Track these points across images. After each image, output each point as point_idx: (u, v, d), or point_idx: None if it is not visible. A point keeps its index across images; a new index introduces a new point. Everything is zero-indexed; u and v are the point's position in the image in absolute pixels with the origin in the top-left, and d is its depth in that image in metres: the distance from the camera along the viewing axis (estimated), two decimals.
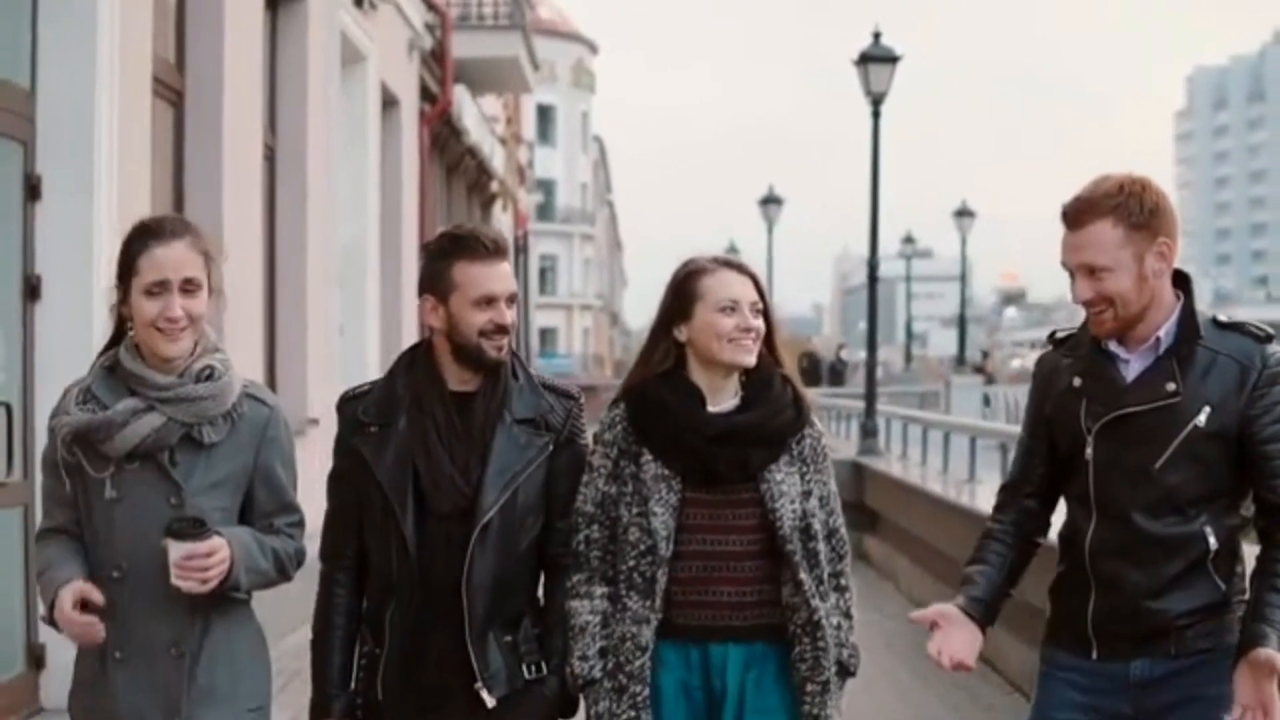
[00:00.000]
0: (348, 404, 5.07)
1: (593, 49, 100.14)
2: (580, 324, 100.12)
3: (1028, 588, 11.53)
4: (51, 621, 4.78)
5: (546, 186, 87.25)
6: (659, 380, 5.00)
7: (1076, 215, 4.73)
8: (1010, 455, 5.08)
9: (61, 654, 5.90)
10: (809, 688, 4.87)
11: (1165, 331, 4.74)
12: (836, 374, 50.26)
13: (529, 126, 53.38)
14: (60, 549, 4.84)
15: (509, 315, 4.94)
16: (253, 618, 4.98)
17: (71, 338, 8.65)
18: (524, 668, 4.94)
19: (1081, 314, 4.87)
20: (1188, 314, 4.75)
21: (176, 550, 4.58)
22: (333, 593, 5.07)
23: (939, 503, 15.55)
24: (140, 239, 4.78)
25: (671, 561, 4.86)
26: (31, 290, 9.13)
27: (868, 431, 23.95)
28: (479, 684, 4.85)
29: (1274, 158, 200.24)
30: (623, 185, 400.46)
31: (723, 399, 4.98)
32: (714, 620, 4.89)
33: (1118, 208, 4.67)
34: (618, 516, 4.94)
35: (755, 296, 4.97)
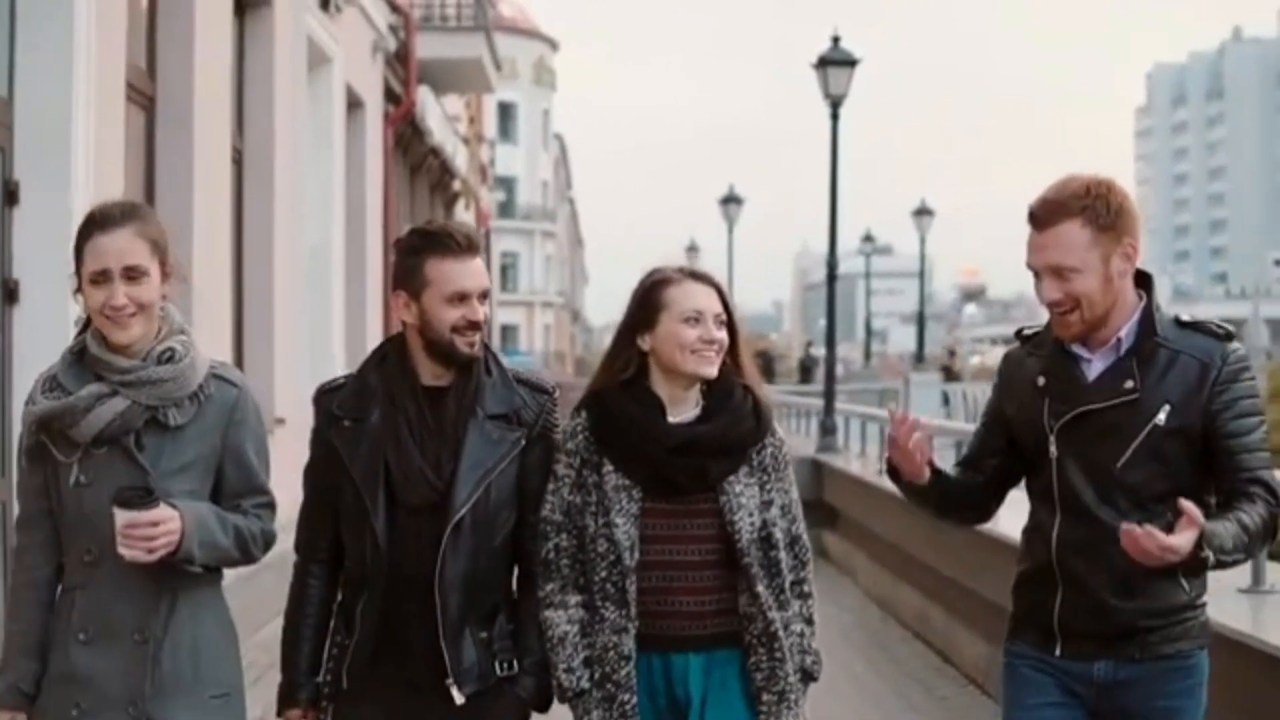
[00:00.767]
0: (324, 396, 5.07)
1: (554, 46, 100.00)
2: (541, 321, 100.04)
3: (984, 583, 11.85)
4: None
5: (507, 184, 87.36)
6: (620, 389, 5.01)
7: (1045, 216, 4.75)
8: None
9: None
10: (765, 698, 4.89)
11: (1126, 332, 4.79)
12: (806, 370, 50.41)
13: (490, 124, 53.37)
14: (26, 605, 4.84)
15: (481, 311, 4.94)
16: (221, 603, 4.97)
17: (48, 340, 8.56)
18: (497, 664, 4.94)
19: (1042, 311, 4.90)
20: (1148, 314, 4.79)
21: (120, 518, 4.57)
22: (306, 583, 5.08)
23: (896, 498, 15.71)
24: (86, 228, 4.78)
25: (634, 571, 4.87)
26: (9, 293, 9.26)
27: (826, 429, 24.14)
28: (449, 680, 4.85)
29: (1233, 155, 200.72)
30: (584, 183, 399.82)
31: (683, 409, 4.99)
32: (675, 630, 4.90)
33: (1086, 209, 4.70)
34: (584, 525, 4.93)
35: (719, 308, 4.97)
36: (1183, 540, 4.43)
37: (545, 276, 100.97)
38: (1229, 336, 4.78)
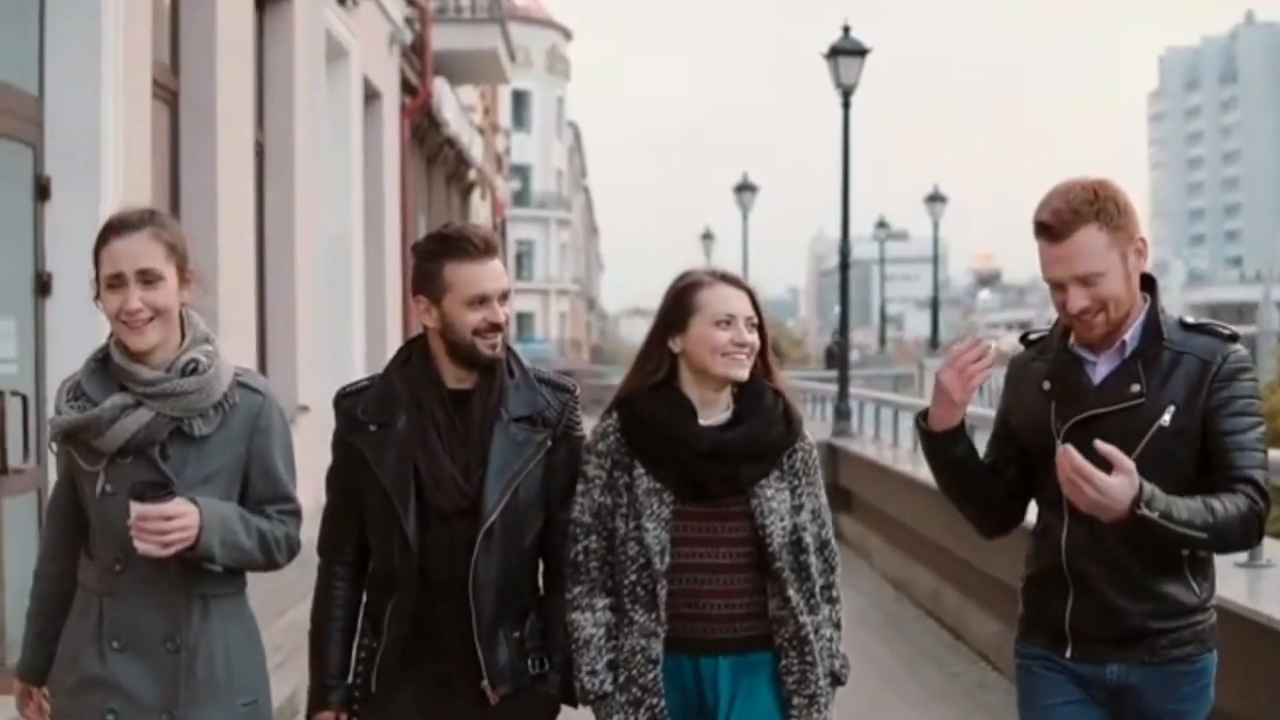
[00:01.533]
0: (345, 400, 5.05)
1: (567, 35, 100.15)
2: (557, 308, 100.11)
3: (995, 564, 12.02)
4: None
5: (522, 172, 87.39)
6: (650, 392, 4.98)
7: (1060, 227, 4.69)
8: (977, 435, 5.27)
9: None
10: (795, 701, 4.87)
11: (1131, 334, 4.77)
12: (833, 357, 50.67)
13: (504, 113, 53.48)
14: (49, 601, 4.95)
15: (502, 313, 4.92)
16: (247, 610, 4.97)
17: (81, 331, 8.72)
18: (529, 663, 4.94)
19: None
20: (1152, 316, 4.78)
21: (133, 510, 4.55)
22: (331, 585, 5.05)
23: (910, 482, 15.93)
24: (104, 233, 4.74)
25: (665, 575, 4.85)
26: (43, 286, 9.45)
27: (841, 414, 24.38)
28: (484, 682, 4.86)
29: (1246, 138, 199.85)
30: (598, 171, 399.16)
31: (714, 412, 4.98)
32: (705, 633, 4.89)
33: (1099, 213, 4.66)
34: (615, 528, 4.92)
35: (751, 311, 4.95)
36: (1113, 482, 4.43)
37: (560, 264, 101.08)
38: (1233, 338, 4.78)
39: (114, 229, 4.73)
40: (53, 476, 5.21)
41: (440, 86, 25.98)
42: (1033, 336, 5.11)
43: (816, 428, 24.86)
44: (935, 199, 53.12)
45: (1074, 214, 4.67)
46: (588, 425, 5.16)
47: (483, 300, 4.88)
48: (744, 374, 4.94)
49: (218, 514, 4.68)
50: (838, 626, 5.03)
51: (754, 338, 4.96)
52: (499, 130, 46.57)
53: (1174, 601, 4.74)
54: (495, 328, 4.90)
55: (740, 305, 4.95)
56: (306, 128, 15.84)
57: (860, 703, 9.36)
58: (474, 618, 4.84)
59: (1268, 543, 8.44)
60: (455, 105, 29.23)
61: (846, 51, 25.64)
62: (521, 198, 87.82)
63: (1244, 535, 4.68)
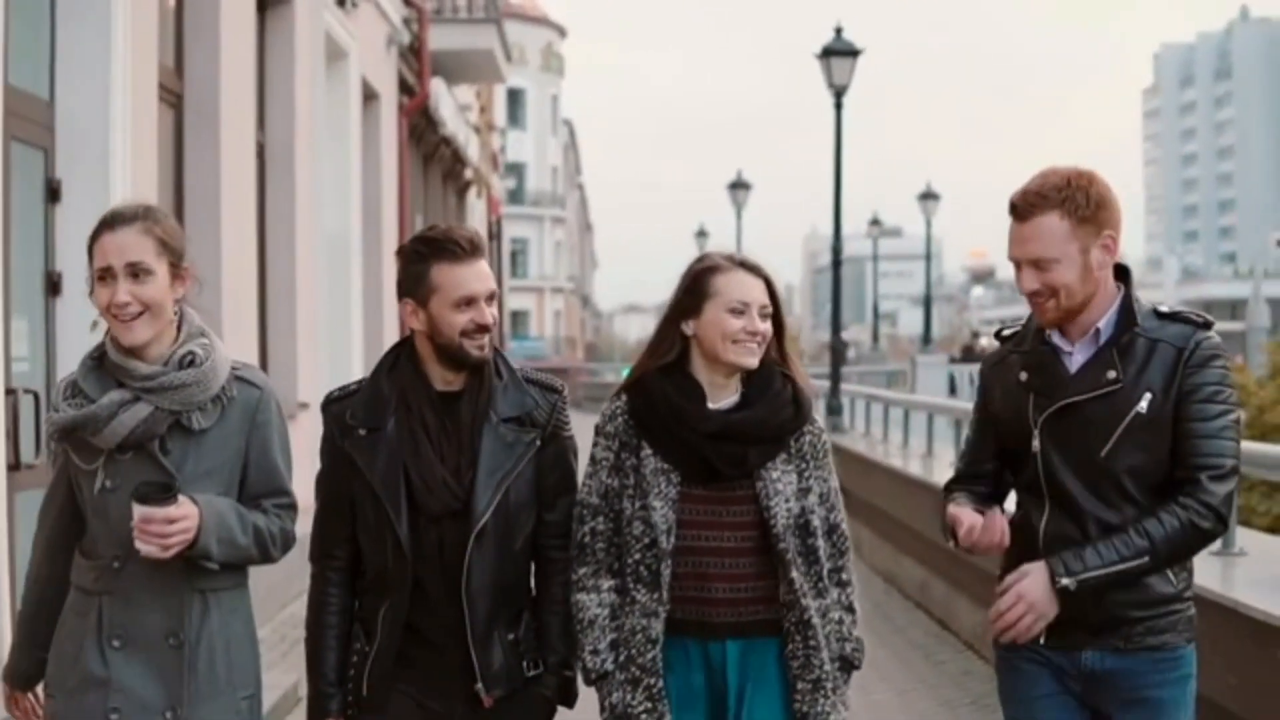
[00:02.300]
0: (333, 405, 5.02)
1: (561, 33, 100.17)
2: (552, 306, 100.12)
3: (980, 555, 12.24)
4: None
5: (517, 170, 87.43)
6: (660, 374, 4.97)
7: (1025, 208, 4.74)
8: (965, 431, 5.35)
9: None
10: (799, 685, 4.85)
11: (1105, 323, 4.79)
12: (837, 354, 50.82)
13: (499, 111, 53.63)
14: (43, 606, 4.91)
15: (490, 314, 4.88)
16: (247, 606, 4.96)
17: (90, 330, 9.11)
18: (524, 665, 4.94)
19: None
20: (1127, 305, 4.79)
21: (137, 513, 4.55)
22: (325, 591, 5.02)
23: (899, 476, 16.20)
24: (97, 228, 4.73)
25: (670, 555, 4.84)
26: (53, 286, 9.68)
27: (832, 409, 24.67)
28: (478, 685, 4.86)
29: (1241, 134, 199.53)
30: (593, 168, 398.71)
31: (724, 395, 4.96)
32: (712, 616, 4.87)
33: (1065, 201, 4.68)
34: (621, 509, 4.92)
35: (766, 299, 4.93)
36: (1025, 586, 4.67)
37: (555, 262, 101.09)
38: (1206, 325, 4.78)
39: (106, 223, 4.72)
40: None
41: (437, 86, 26.21)
42: (1007, 332, 5.13)
43: None
44: (928, 196, 53.26)
45: (1040, 198, 4.73)
46: (580, 424, 5.17)
47: (470, 302, 4.86)
48: (754, 362, 4.93)
49: (216, 512, 4.68)
50: (849, 610, 5.02)
51: (766, 326, 4.93)
52: (494, 129, 46.74)
53: (1151, 591, 4.74)
54: (483, 329, 4.88)
55: (755, 293, 4.93)
56: (306, 129, 16.05)
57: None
58: (468, 620, 4.84)
59: (1242, 532, 8.65)
60: (452, 105, 29.46)
61: (839, 52, 25.94)
62: (516, 195, 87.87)
63: (1195, 538, 4.70)
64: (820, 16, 35.37)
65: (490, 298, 4.92)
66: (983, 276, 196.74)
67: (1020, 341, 4.99)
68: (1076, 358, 4.83)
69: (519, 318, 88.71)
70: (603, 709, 4.93)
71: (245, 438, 4.84)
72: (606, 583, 4.93)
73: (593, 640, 4.91)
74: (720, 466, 4.87)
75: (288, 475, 4.96)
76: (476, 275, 4.88)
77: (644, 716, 4.83)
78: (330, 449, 5.01)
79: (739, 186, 50.07)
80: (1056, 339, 4.86)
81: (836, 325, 28.40)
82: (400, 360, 5.01)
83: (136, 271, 4.67)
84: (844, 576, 5.03)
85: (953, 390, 41.02)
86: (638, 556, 4.86)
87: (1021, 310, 5.04)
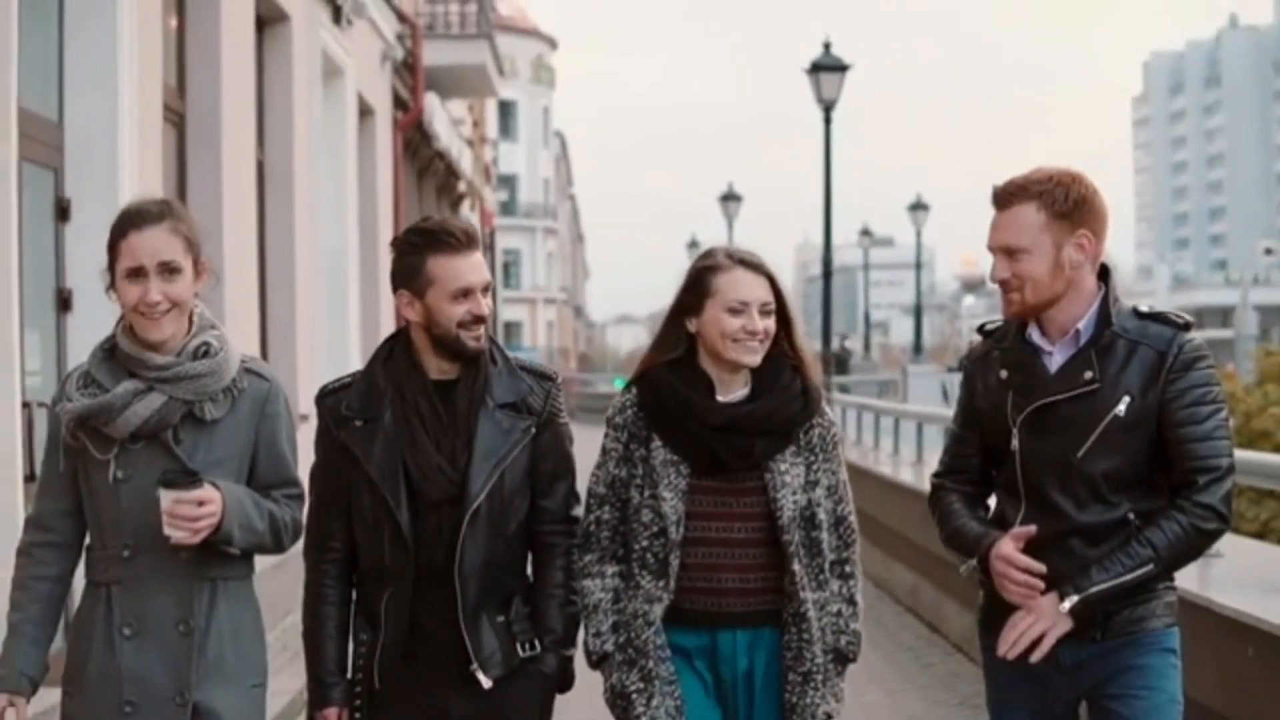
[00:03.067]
0: (328, 397, 5.02)
1: (552, 45, 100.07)
2: (544, 317, 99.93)
3: None
4: None
5: (509, 182, 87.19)
6: (669, 368, 4.99)
7: (1004, 197, 4.80)
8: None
9: None
10: (790, 676, 4.89)
11: (1085, 323, 4.79)
12: (841, 362, 50.94)
13: (491, 123, 53.76)
14: (30, 600, 4.83)
15: (485, 305, 4.90)
16: (253, 594, 4.98)
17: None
18: (519, 646, 4.94)
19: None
20: (1105, 305, 4.80)
21: (166, 498, 4.57)
22: (322, 583, 5.01)
23: (891, 485, 16.40)
24: (121, 224, 4.74)
25: (680, 546, 4.88)
26: (64, 302, 9.94)
27: None
28: (474, 666, 4.86)
29: (1231, 142, 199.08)
30: (584, 179, 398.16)
31: (732, 388, 4.98)
32: (720, 606, 4.90)
33: (1043, 194, 4.72)
34: (628, 498, 4.96)
35: (768, 297, 4.95)
36: (1039, 605, 4.71)
37: (548, 273, 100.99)
38: (1187, 326, 4.78)
39: (133, 222, 4.74)
40: None
41: (431, 101, 26.43)
42: (989, 327, 5.13)
43: None
44: (918, 207, 53.38)
45: (1020, 189, 4.78)
46: (573, 425, 5.22)
47: (466, 293, 4.87)
48: (754, 360, 4.94)
49: (236, 498, 4.73)
50: (850, 602, 5.03)
51: (768, 324, 4.93)
52: (486, 141, 46.91)
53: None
54: (479, 319, 4.89)
55: (756, 291, 4.94)
56: (305, 146, 16.26)
57: None
58: (459, 603, 4.86)
59: (1252, 546, 8.59)
60: (445, 119, 29.70)
61: (827, 67, 26.15)
62: (508, 207, 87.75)
63: (1199, 540, 4.73)
64: (807, 25, 35.60)
65: (486, 289, 4.94)
66: (974, 285, 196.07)
67: (1002, 338, 5.01)
68: (1056, 358, 4.84)
69: (512, 329, 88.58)
70: (605, 692, 5.00)
71: (255, 429, 4.89)
72: (610, 569, 4.99)
73: (595, 624, 4.98)
74: (726, 458, 4.90)
75: (295, 466, 5.00)
76: (472, 266, 4.90)
77: (634, 696, 4.89)
78: (326, 441, 5.03)
79: (730, 199, 50.32)
80: (1037, 338, 4.88)
81: (826, 335, 28.67)
82: (395, 351, 5.03)
83: (168, 270, 4.72)
84: (848, 569, 5.05)
85: (946, 398, 41.08)
86: (645, 544, 4.91)
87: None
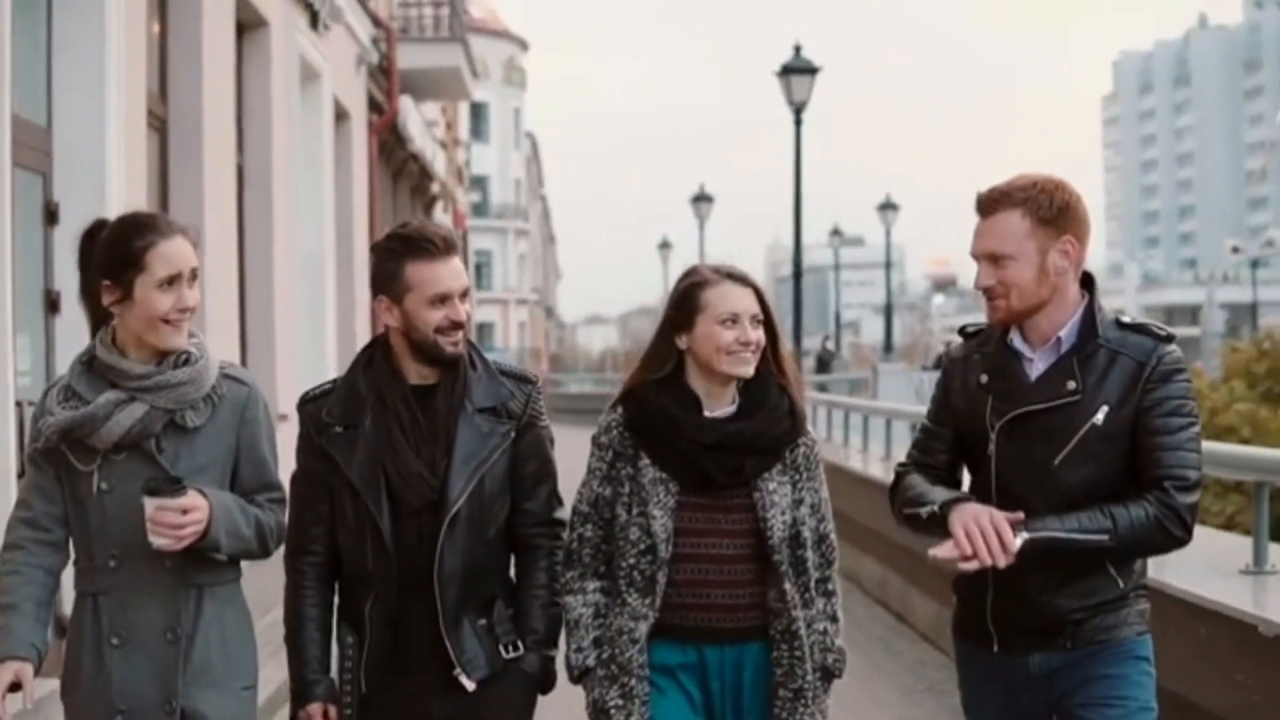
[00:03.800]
0: (309, 404, 5.04)
1: (523, 46, 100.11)
2: (516, 318, 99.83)
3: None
4: None
5: (480, 183, 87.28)
6: (656, 386, 4.99)
7: (989, 204, 4.78)
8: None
9: None
10: (780, 693, 4.88)
11: (1067, 331, 4.78)
12: (823, 363, 51.05)
13: (463, 124, 53.90)
14: (25, 583, 4.80)
15: (463, 310, 4.90)
16: (241, 598, 4.98)
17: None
18: (501, 648, 4.97)
19: None
20: (1089, 314, 4.79)
21: (150, 505, 4.58)
22: (302, 586, 5.02)
23: (861, 480, 16.67)
24: (143, 234, 4.72)
25: (668, 563, 4.87)
26: (52, 304, 10.13)
27: None
28: (457, 670, 4.88)
29: (1200, 141, 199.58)
30: (555, 180, 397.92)
31: (719, 405, 4.98)
32: (708, 622, 4.90)
33: (1028, 200, 4.70)
34: (613, 516, 4.95)
35: (756, 308, 4.96)
36: (970, 512, 4.64)
37: (519, 274, 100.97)
38: (1168, 339, 4.78)
39: (157, 230, 4.75)
40: None
41: (405, 104, 26.65)
42: (971, 329, 5.11)
43: None
44: (888, 207, 53.55)
45: (1004, 195, 4.76)
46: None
47: (444, 299, 4.88)
48: (749, 370, 4.94)
49: (222, 504, 4.74)
50: (833, 620, 5.03)
51: (759, 334, 4.95)
52: (459, 143, 47.07)
53: (1096, 594, 4.76)
54: (457, 325, 4.90)
55: (745, 303, 4.95)
56: (283, 149, 16.46)
57: None
58: (439, 607, 4.88)
59: (1273, 549, 8.65)
60: (419, 121, 29.93)
61: (798, 70, 26.38)
62: (480, 208, 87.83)
63: (1160, 537, 4.67)
64: (780, 29, 35.87)
65: (464, 294, 4.95)
66: (944, 284, 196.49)
67: (984, 341, 4.99)
68: (1037, 365, 4.83)
69: (484, 330, 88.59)
70: (587, 707, 5.00)
71: (235, 434, 4.89)
72: (593, 585, 4.98)
73: (578, 639, 4.96)
74: (716, 476, 4.90)
75: (276, 469, 5.01)
76: (451, 272, 4.91)
77: (614, 712, 4.87)
78: (308, 447, 5.03)
79: (702, 200, 50.52)
80: (1018, 344, 4.87)
81: (798, 335, 28.94)
82: (375, 357, 5.03)
83: (194, 277, 4.77)
84: (830, 586, 5.04)
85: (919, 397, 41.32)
86: (632, 561, 4.89)
87: (982, 318, 5.07)
